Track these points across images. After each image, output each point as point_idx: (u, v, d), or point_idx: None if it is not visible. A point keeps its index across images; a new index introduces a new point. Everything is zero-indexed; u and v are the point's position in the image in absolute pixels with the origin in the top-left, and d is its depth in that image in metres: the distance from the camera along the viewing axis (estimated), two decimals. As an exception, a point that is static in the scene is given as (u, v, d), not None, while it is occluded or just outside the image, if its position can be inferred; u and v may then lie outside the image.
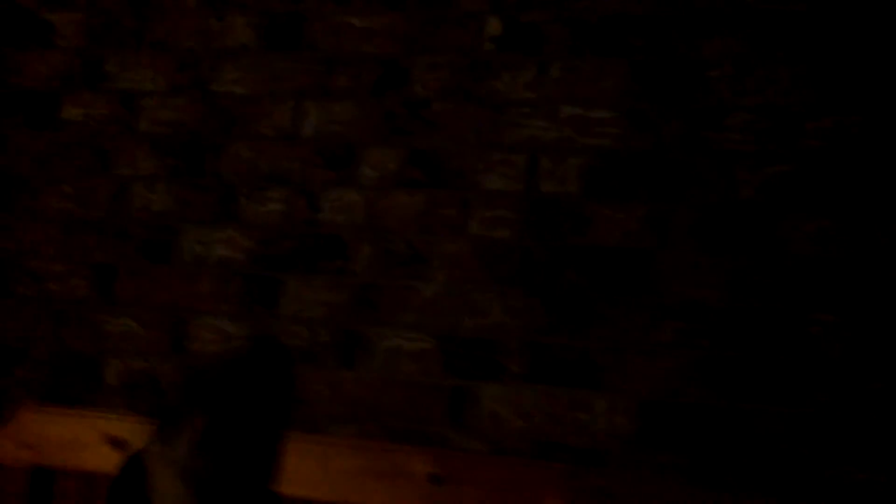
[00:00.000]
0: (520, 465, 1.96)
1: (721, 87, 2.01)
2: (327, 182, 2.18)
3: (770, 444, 1.86)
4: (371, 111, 2.19)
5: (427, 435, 2.05)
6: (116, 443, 2.11)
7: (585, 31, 2.09)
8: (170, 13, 2.33)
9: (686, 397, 1.92)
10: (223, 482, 1.27)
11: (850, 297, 1.87)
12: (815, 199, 1.92)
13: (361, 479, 2.01)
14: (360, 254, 2.14)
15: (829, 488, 1.82)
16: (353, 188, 2.17)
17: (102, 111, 2.34)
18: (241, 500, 1.30)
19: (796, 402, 1.87)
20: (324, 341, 2.13)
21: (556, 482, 1.93)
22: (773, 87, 1.98)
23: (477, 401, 2.04)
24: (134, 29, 2.34)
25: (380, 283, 2.12)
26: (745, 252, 1.94)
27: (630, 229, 2.01)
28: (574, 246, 2.04)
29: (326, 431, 2.10)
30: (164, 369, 2.19)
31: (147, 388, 2.19)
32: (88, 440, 2.13)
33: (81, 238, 2.29)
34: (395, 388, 2.08)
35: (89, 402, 2.21)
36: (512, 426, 2.01)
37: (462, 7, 2.16)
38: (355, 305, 2.13)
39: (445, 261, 2.10)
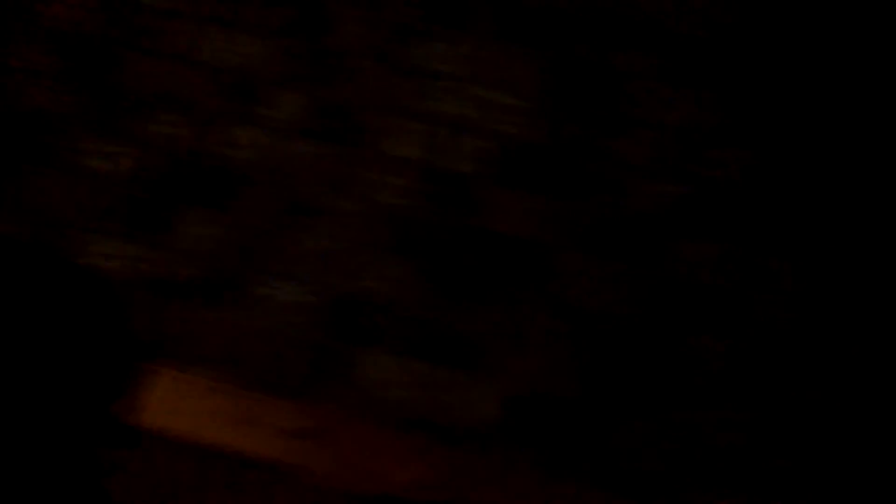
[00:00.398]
0: (379, 432, 1.97)
1: (632, 101, 2.07)
2: (228, 115, 2.13)
3: (630, 446, 1.94)
4: (286, 52, 2.15)
5: (295, 389, 2.03)
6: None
7: (513, 16, 2.12)
8: None
9: (554, 393, 1.97)
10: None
11: (731, 322, 1.96)
12: (706, 224, 2.01)
13: (222, 422, 1.97)
14: (251, 194, 2.10)
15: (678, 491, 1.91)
16: (256, 127, 2.12)
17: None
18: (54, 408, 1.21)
19: (664, 411, 1.94)
20: (199, 278, 2.08)
21: (413, 454, 1.95)
22: (678, 107, 2.06)
23: (351, 364, 2.03)
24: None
25: (265, 228, 2.09)
26: (633, 262, 2.00)
27: (524, 220, 2.05)
28: (472, 227, 2.06)
29: (193, 371, 2.04)
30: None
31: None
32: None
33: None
34: (268, 337, 2.05)
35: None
36: (381, 394, 2.02)
37: (395, -31, 2.15)
38: (237, 247, 2.08)
39: (335, 217, 2.08)
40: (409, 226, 2.06)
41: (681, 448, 1.91)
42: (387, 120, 2.11)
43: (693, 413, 1.92)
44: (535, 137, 2.07)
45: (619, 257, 2.01)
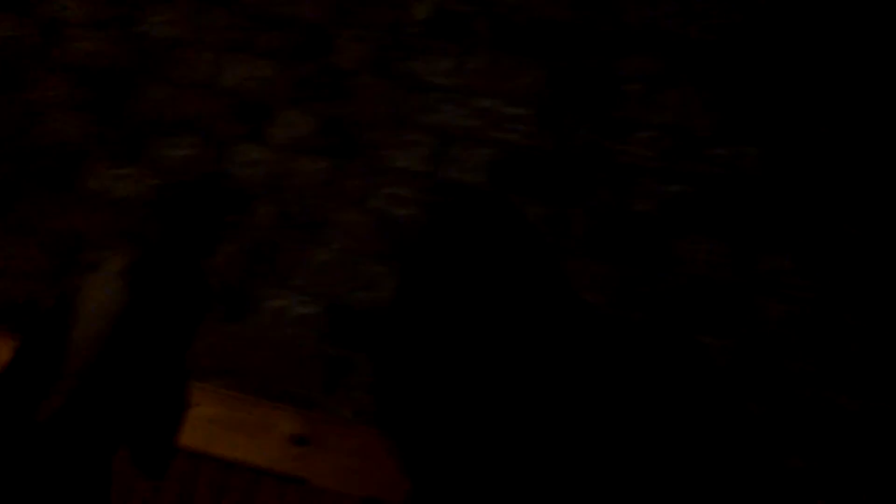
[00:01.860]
0: (385, 438, 2.01)
1: (634, 103, 2.10)
2: (238, 136, 2.22)
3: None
4: (291, 74, 2.24)
5: (300, 397, 2.09)
6: (-15, 361, 2.11)
7: (510, 29, 2.17)
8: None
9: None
10: (144, 324, 1.29)
11: (733, 321, 1.96)
12: (708, 222, 2.01)
13: (224, 430, 2.04)
14: (260, 211, 2.18)
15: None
16: (263, 146, 2.21)
17: (23, 33, 2.34)
18: (154, 352, 1.32)
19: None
20: (216, 292, 2.16)
21: (416, 457, 1.98)
22: (681, 109, 2.08)
23: (354, 372, 2.08)
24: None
25: (275, 242, 2.16)
26: (635, 263, 2.02)
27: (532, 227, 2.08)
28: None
29: (209, 381, 2.12)
30: (45, 293, 2.20)
31: (25, 309, 2.19)
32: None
33: (-17, 156, 2.29)
34: (276, 348, 2.12)
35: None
36: (383, 399, 2.06)
37: (396, -13, 2.23)
38: (247, 261, 2.16)
39: (343, 230, 2.15)
40: (413, 235, 2.11)
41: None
42: (391, 134, 2.17)
43: (696, 405, 1.92)
44: (538, 144, 2.11)
45: (622, 258, 2.02)
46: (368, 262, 2.13)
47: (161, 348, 1.38)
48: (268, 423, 2.04)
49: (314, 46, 2.23)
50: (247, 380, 2.11)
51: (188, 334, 1.45)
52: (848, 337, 1.91)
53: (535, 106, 2.14)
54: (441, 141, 2.15)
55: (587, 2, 2.17)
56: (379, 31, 2.22)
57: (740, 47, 2.08)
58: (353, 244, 2.14)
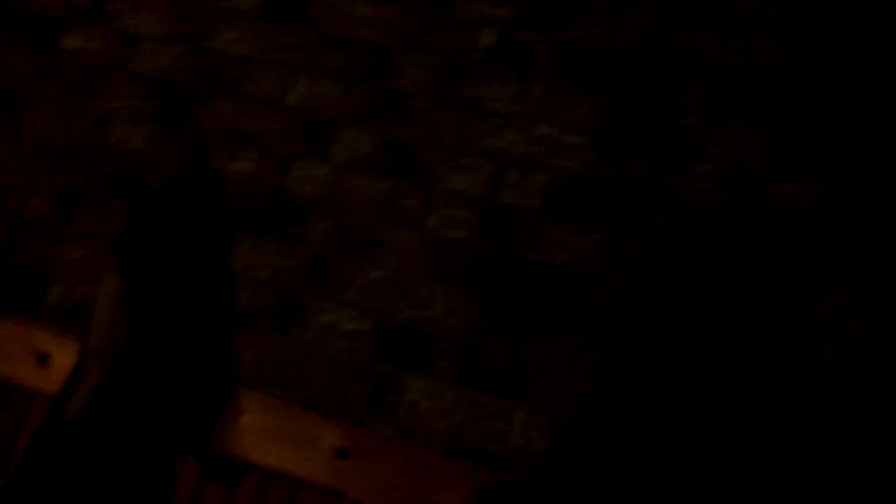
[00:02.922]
0: (425, 454, 2.02)
1: (694, 137, 2.11)
2: (300, 153, 2.28)
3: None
4: (356, 94, 2.29)
5: (344, 412, 2.11)
6: (42, 357, 2.17)
7: (573, 59, 2.21)
8: (186, -34, 2.44)
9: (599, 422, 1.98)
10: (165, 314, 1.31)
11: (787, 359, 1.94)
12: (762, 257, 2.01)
13: (268, 439, 2.07)
14: (318, 226, 2.22)
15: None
16: (324, 163, 2.26)
17: (100, 46, 2.44)
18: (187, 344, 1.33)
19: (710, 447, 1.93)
20: (264, 304, 2.20)
21: (458, 478, 1.99)
22: (742, 144, 2.08)
23: (400, 389, 2.10)
24: (148, -26, 2.46)
25: (330, 258, 2.20)
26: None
27: (580, 253, 2.09)
28: (524, 259, 2.12)
29: (258, 391, 2.16)
30: (104, 300, 2.26)
31: (85, 313, 2.25)
32: (14, 350, 2.20)
33: (54, 160, 2.38)
34: (323, 361, 2.15)
35: (28, 316, 2.28)
36: (428, 420, 2.07)
37: (461, 14, 2.28)
38: (302, 275, 2.20)
39: (398, 249, 2.18)
40: (467, 257, 2.14)
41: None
42: (450, 156, 2.21)
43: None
44: (595, 173, 2.13)
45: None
46: (420, 282, 2.16)
47: (185, 325, 1.40)
48: (311, 436, 2.06)
49: (379, 68, 2.29)
50: (293, 391, 2.14)
51: (217, 315, 1.46)
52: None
53: (593, 134, 2.16)
54: (499, 165, 2.18)
55: (650, 34, 2.20)
56: (443, 56, 2.27)
57: (805, 85, 2.09)
58: (406, 264, 2.17)
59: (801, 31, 2.14)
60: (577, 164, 2.16)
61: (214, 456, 1.40)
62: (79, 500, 1.27)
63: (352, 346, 2.15)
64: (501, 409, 2.05)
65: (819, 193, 2.03)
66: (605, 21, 2.24)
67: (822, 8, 2.14)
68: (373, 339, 2.15)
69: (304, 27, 2.37)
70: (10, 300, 2.30)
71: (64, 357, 2.14)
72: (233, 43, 2.39)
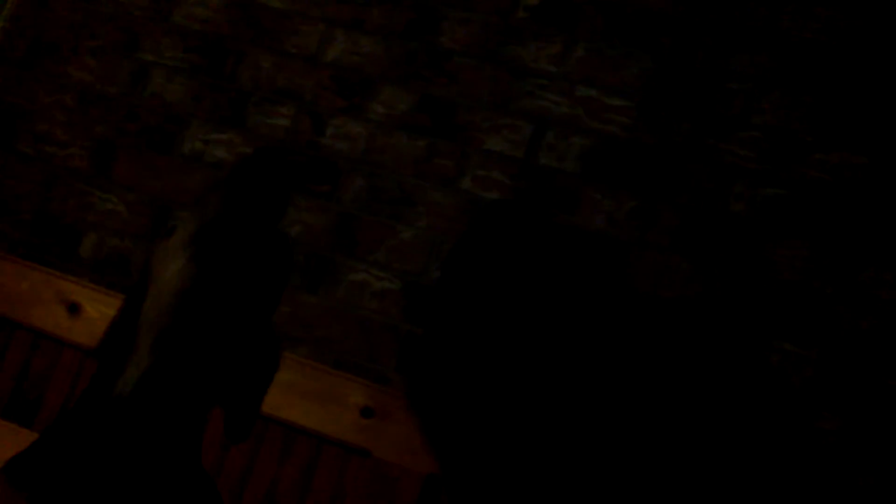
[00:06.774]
0: (450, 417, 2.06)
1: (740, 102, 2.11)
2: (337, 109, 2.32)
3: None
4: (395, 51, 2.33)
5: (372, 371, 2.16)
6: (72, 306, 2.25)
7: (620, 19, 2.22)
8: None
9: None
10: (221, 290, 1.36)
11: (820, 330, 1.95)
12: (808, 229, 2.01)
13: (294, 396, 2.13)
14: (351, 184, 2.27)
15: None
16: (360, 120, 2.30)
17: (142, -3, 2.51)
18: (230, 335, 1.39)
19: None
20: (295, 261, 2.26)
21: (482, 441, 2.02)
22: (788, 111, 2.08)
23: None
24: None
25: (362, 216, 2.25)
26: (723, 263, 2.03)
27: (616, 218, 2.11)
28: (562, 224, 2.14)
29: (287, 349, 2.21)
30: (137, 251, 2.33)
31: (117, 266, 2.33)
32: (45, 298, 2.28)
33: (92, 111, 2.45)
34: (352, 321, 2.20)
35: (59, 267, 2.36)
36: (455, 383, 2.11)
37: (506, -30, 2.30)
38: (333, 233, 2.25)
39: (431, 209, 2.22)
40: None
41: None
42: (489, 117, 2.24)
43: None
44: (636, 136, 2.14)
45: (709, 258, 2.04)
46: (453, 243, 2.19)
47: (242, 315, 1.45)
48: (338, 394, 2.11)
49: (421, 25, 2.32)
50: (321, 350, 2.20)
51: (271, 299, 1.51)
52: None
53: (637, 97, 2.17)
54: (537, 127, 2.21)
55: (700, -5, 2.20)
56: (487, 14, 2.29)
57: (859, 53, 2.08)
58: (439, 224, 2.21)
59: (856, -5, 2.12)
60: (618, 127, 2.17)
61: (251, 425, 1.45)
62: (124, 478, 1.33)
63: (381, 306, 2.20)
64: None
65: (864, 165, 2.02)
66: (652, -20, 2.24)
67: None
68: (402, 300, 2.19)
69: (344, -19, 2.41)
70: (44, 250, 2.39)
71: (95, 308, 2.22)
72: (273, -4, 2.44)
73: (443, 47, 2.32)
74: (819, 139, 2.06)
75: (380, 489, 2.05)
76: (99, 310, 2.25)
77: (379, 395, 2.11)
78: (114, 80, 2.48)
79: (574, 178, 2.17)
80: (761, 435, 1.59)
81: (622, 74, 2.21)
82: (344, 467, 2.09)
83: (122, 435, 1.27)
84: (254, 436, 2.14)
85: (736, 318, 2.00)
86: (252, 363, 1.45)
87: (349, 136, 2.32)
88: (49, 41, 2.54)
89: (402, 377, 2.14)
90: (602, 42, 2.24)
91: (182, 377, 1.34)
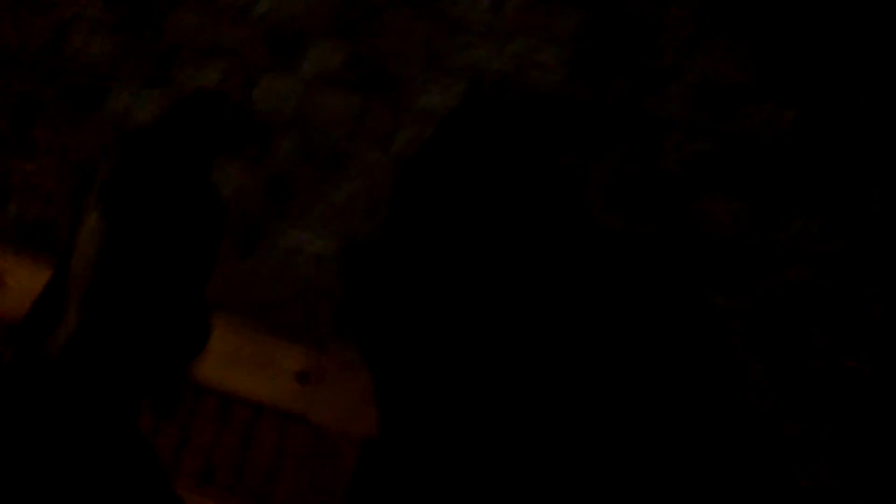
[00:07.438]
0: (388, 380, 2.06)
1: (670, 55, 2.10)
2: (267, 67, 2.27)
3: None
4: (325, 6, 2.27)
5: (307, 336, 2.15)
6: (-4, 275, 2.20)
7: (552, -29, 2.19)
8: None
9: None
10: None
11: (751, 283, 1.97)
12: (736, 182, 2.02)
13: (228, 363, 2.11)
14: (282, 144, 2.23)
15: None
16: (290, 78, 2.25)
17: (59, -50, 2.42)
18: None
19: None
20: (233, 227, 2.22)
21: (420, 403, 2.03)
22: (718, 65, 2.08)
23: (364, 313, 2.13)
24: None
25: (294, 177, 2.21)
26: (654, 219, 2.03)
27: (553, 178, 2.10)
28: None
29: (221, 314, 2.19)
30: (63, 216, 2.28)
31: (41, 232, 2.27)
32: (-31, 267, 2.22)
33: (10, 71, 2.37)
34: (287, 284, 2.17)
35: (-18, 234, 2.30)
36: (393, 345, 2.11)
37: (436, -79, 2.25)
38: (265, 195, 2.22)
39: (364, 168, 2.19)
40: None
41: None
42: (422, 73, 2.20)
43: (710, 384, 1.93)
44: (570, 91, 2.12)
45: (640, 214, 2.04)
46: (388, 203, 2.17)
47: (168, 271, 1.41)
48: (272, 359, 2.10)
49: (349, -22, 2.27)
50: (256, 315, 2.17)
51: (201, 253, 1.47)
52: (868, 305, 1.91)
53: (570, 52, 2.15)
54: (471, 83, 2.18)
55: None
56: (416, -34, 2.25)
57: (788, 3, 2.07)
58: (373, 183, 2.18)
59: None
60: (552, 82, 2.15)
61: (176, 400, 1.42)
62: (62, 439, 1.30)
63: (317, 269, 2.18)
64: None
65: (794, 117, 2.03)
66: (585, -69, 2.21)
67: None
68: (338, 262, 2.17)
69: (270, -67, 2.34)
70: (-34, 216, 2.33)
71: (20, 276, 2.17)
72: (196, -51, 2.37)
73: (373, 2, 2.27)
74: (749, 92, 2.06)
75: (319, 454, 2.05)
76: (25, 277, 2.20)
77: (315, 359, 2.10)
78: (31, 39, 2.39)
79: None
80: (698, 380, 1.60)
81: (555, 28, 2.18)
82: (282, 433, 2.08)
83: (52, 395, 1.25)
84: (189, 404, 2.12)
85: (670, 274, 2.02)
86: (182, 327, 1.42)
87: (280, 94, 2.27)
88: (-38, -2, 2.45)
89: (341, 339, 2.13)
90: (535, -5, 2.21)
91: (111, 335, 1.31)
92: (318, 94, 2.25)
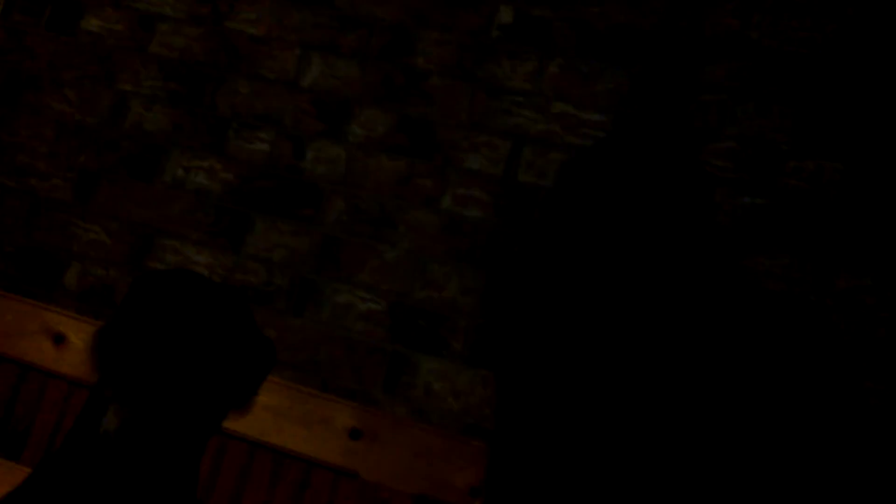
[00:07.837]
0: (439, 436, 2.09)
1: (712, 113, 2.15)
2: (316, 133, 2.35)
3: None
4: (372, 73, 2.36)
5: (358, 392, 2.19)
6: (58, 337, 2.28)
7: (591, 35, 2.26)
8: (202, -54, 2.53)
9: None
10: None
11: (805, 337, 1.98)
12: (786, 237, 2.05)
13: (281, 420, 2.15)
14: (333, 207, 2.30)
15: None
16: (339, 143, 2.34)
17: (119, 27, 2.54)
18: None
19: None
20: (279, 285, 2.29)
21: (472, 458, 2.05)
22: (761, 121, 2.12)
23: (414, 370, 2.17)
24: (165, -46, 2.55)
25: (345, 238, 2.28)
26: (706, 274, 2.06)
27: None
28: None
29: (274, 373, 2.24)
30: (121, 281, 2.36)
31: (101, 296, 2.35)
32: (31, 330, 2.30)
33: (72, 142, 2.48)
34: (338, 342, 2.23)
35: (44, 298, 2.38)
36: (443, 401, 2.14)
37: (479, -10, 2.35)
38: (316, 256, 2.28)
39: (413, 228, 2.25)
40: (482, 236, 2.20)
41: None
42: (467, 135, 2.27)
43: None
44: (612, 150, 2.17)
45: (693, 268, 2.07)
46: (436, 263, 2.22)
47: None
48: (325, 416, 2.14)
49: (396, 47, 2.36)
50: (307, 373, 2.22)
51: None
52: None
53: (612, 112, 2.21)
54: (515, 144, 2.24)
55: (671, 8, 2.24)
56: (461, 34, 2.33)
57: (830, 61, 2.12)
58: (421, 243, 2.24)
59: (822, 5, 2.17)
60: (595, 141, 2.21)
61: None
62: None
63: (366, 327, 2.23)
64: (516, 390, 2.10)
65: (838, 170, 2.06)
66: (623, -4, 2.28)
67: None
68: (387, 320, 2.22)
69: (320, 6, 2.45)
70: (28, 281, 2.41)
71: (80, 339, 2.24)
72: (252, 23, 2.47)
73: (419, 68, 2.36)
74: (793, 147, 2.10)
75: (370, 510, 2.08)
76: (84, 340, 2.27)
77: (366, 416, 2.14)
78: (93, 111, 2.51)
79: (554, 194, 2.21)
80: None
81: (596, 89, 2.25)
82: (334, 490, 2.11)
83: (110, 472, 1.28)
84: (242, 460, 2.16)
85: (722, 326, 2.04)
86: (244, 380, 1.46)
87: (329, 159, 2.35)
88: (28, 74, 2.57)
89: (391, 395, 2.17)
90: (574, 58, 2.28)
91: (168, 413, 1.35)
92: (365, 159, 2.33)
